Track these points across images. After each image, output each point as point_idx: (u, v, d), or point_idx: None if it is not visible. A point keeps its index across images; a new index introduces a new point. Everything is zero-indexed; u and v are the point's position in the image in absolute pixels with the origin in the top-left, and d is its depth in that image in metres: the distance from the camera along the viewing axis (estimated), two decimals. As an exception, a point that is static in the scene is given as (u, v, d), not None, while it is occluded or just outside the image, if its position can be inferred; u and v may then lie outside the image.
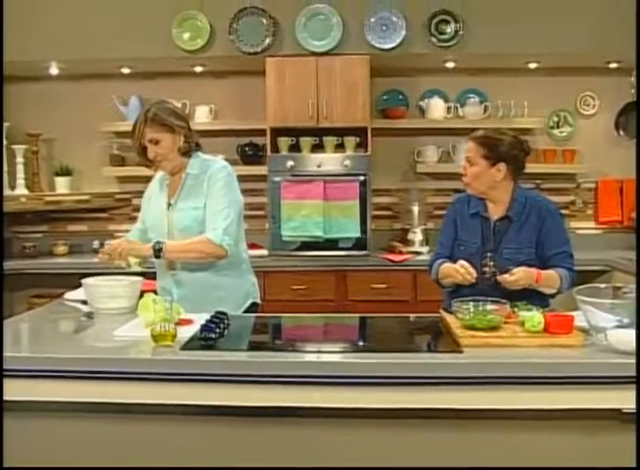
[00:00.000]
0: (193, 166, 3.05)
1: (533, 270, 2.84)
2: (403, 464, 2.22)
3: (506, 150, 2.97)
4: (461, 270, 2.84)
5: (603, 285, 2.46)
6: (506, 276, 2.80)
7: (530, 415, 2.15)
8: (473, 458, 2.21)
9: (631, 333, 2.17)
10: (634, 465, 2.05)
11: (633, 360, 2.11)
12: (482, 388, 2.14)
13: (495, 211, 3.04)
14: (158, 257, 2.89)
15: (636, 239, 4.75)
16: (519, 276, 2.80)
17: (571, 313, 2.40)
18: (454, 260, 2.98)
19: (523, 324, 2.38)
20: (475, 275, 2.83)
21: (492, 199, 3.04)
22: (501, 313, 2.44)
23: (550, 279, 2.89)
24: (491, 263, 2.93)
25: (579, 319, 2.36)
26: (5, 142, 4.99)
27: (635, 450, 2.03)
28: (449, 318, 2.57)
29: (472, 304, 2.52)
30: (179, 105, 4.89)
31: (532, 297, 2.82)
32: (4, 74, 4.83)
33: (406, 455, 2.22)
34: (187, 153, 3.05)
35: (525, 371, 2.14)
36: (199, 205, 2.98)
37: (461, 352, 2.26)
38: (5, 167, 4.98)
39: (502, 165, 2.95)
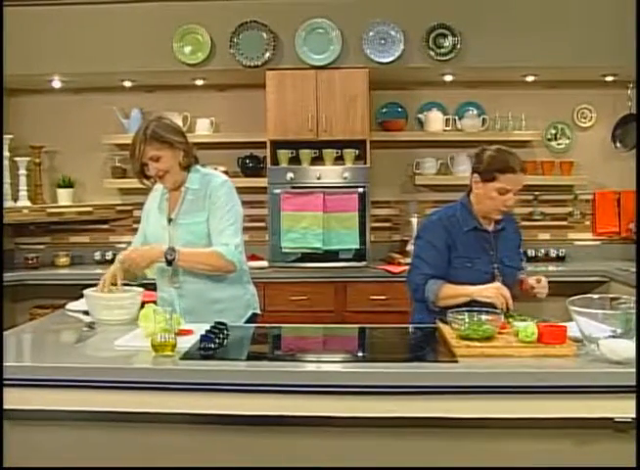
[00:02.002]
0: (192, 181, 3.07)
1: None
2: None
3: None
4: (502, 299, 2.76)
5: (596, 296, 2.49)
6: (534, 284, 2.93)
7: (524, 424, 2.17)
8: (467, 466, 2.23)
9: (623, 343, 2.20)
10: (634, 466, 2.09)
11: (625, 370, 2.14)
12: (477, 397, 2.16)
13: (488, 223, 3.07)
14: (170, 264, 2.91)
15: (636, 249, 4.79)
16: (541, 282, 2.96)
17: (564, 324, 2.43)
18: (450, 280, 2.98)
19: (517, 334, 2.40)
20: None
21: None
22: (495, 324, 2.46)
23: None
24: (498, 274, 3.00)
25: (573, 330, 2.39)
26: (8, 154, 5.04)
27: (635, 451, 2.06)
28: (445, 329, 2.60)
29: (467, 314, 2.55)
30: (180, 117, 4.97)
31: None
32: (8, 88, 4.89)
33: (402, 463, 2.24)
34: (187, 167, 3.07)
35: (519, 381, 2.17)
36: (200, 219, 3.01)
37: (456, 361, 2.29)
38: (8, 179, 5.03)
39: None
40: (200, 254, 2.96)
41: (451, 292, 2.92)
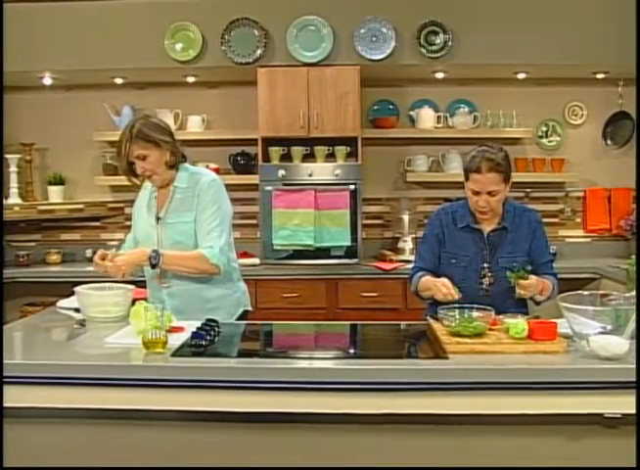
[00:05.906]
0: (181, 180, 3.05)
1: (541, 281, 2.90)
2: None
3: (508, 163, 2.96)
4: (443, 290, 2.79)
5: (586, 292, 2.49)
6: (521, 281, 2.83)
7: (515, 420, 2.18)
8: (458, 462, 2.24)
9: (613, 339, 2.21)
10: (634, 465, 2.10)
11: (615, 366, 2.16)
12: (467, 393, 2.17)
13: (488, 223, 3.04)
14: (153, 266, 2.90)
15: (636, 245, 4.80)
16: (531, 281, 2.83)
17: (554, 320, 2.44)
18: (440, 274, 2.99)
19: (507, 331, 2.41)
20: (456, 296, 2.76)
21: (494, 213, 3.02)
22: (486, 320, 2.48)
23: (548, 289, 2.96)
24: (489, 274, 2.97)
25: (563, 326, 2.40)
26: (-1, 151, 5.03)
27: (635, 451, 2.07)
28: (436, 325, 2.61)
29: (457, 311, 2.56)
30: (171, 115, 4.97)
31: (513, 305, 2.90)
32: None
33: (394, 460, 2.25)
34: (174, 166, 3.04)
35: (510, 377, 2.18)
36: (188, 219, 2.99)
37: (447, 358, 2.29)
38: (-1, 177, 5.02)
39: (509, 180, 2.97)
40: (184, 257, 2.95)
41: (424, 285, 3.00)
